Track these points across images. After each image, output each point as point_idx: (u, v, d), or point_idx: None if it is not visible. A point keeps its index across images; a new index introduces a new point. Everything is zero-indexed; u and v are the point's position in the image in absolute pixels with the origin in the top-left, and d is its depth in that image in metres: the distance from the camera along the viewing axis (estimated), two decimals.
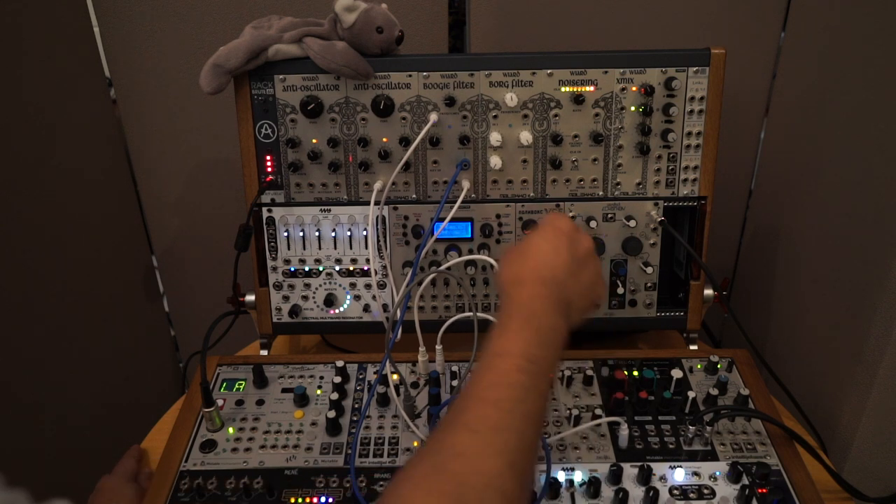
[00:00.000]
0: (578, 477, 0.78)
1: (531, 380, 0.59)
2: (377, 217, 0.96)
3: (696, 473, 0.78)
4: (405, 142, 0.93)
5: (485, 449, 0.54)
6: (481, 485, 0.52)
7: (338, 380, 0.91)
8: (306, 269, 0.99)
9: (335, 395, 0.87)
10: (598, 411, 0.87)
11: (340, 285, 0.99)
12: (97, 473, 0.88)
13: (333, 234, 0.97)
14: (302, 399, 0.88)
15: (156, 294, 1.39)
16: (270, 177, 0.95)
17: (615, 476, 0.77)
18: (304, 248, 0.98)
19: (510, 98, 0.91)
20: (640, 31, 1.14)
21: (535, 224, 0.92)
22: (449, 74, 0.91)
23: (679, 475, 0.78)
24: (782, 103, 1.16)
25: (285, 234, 0.97)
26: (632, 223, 0.96)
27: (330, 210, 0.97)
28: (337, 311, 1.00)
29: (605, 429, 0.84)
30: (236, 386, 0.92)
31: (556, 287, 0.67)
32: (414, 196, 0.96)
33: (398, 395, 0.86)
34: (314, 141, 0.94)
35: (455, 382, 0.89)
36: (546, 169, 0.95)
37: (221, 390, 0.91)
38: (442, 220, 0.94)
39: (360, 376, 0.93)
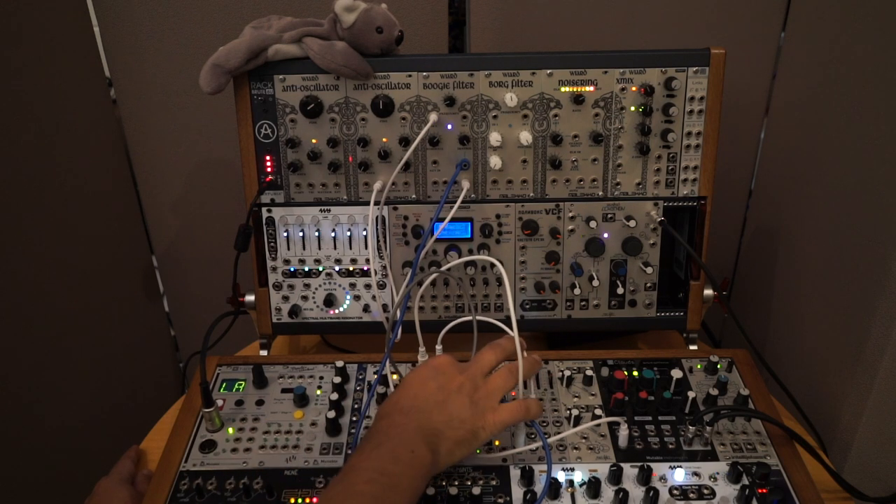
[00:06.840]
0: (578, 477, 0.78)
1: (381, 490, 0.64)
2: (377, 217, 0.96)
3: (696, 473, 0.78)
4: (405, 142, 0.93)
5: None
6: None
7: (338, 380, 0.90)
8: (306, 269, 0.98)
9: (335, 396, 0.87)
10: (598, 411, 0.87)
11: (340, 285, 0.99)
12: (97, 473, 0.88)
13: (333, 234, 0.97)
14: (302, 399, 0.88)
15: (156, 294, 1.39)
16: (270, 177, 0.95)
17: (615, 476, 0.77)
18: (304, 249, 0.98)
19: (510, 98, 0.91)
20: (640, 31, 1.14)
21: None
22: (449, 74, 0.91)
23: (679, 475, 0.78)
24: (782, 103, 1.16)
25: (285, 234, 0.97)
26: (632, 223, 0.96)
27: (330, 210, 0.97)
28: (337, 311, 1.00)
29: (605, 429, 0.84)
30: (236, 386, 0.92)
31: (416, 414, 0.72)
32: (414, 196, 0.96)
33: None
34: (314, 141, 0.94)
35: None
36: (546, 169, 0.95)
37: (221, 391, 0.91)
38: (442, 220, 0.94)
39: (360, 376, 0.93)
